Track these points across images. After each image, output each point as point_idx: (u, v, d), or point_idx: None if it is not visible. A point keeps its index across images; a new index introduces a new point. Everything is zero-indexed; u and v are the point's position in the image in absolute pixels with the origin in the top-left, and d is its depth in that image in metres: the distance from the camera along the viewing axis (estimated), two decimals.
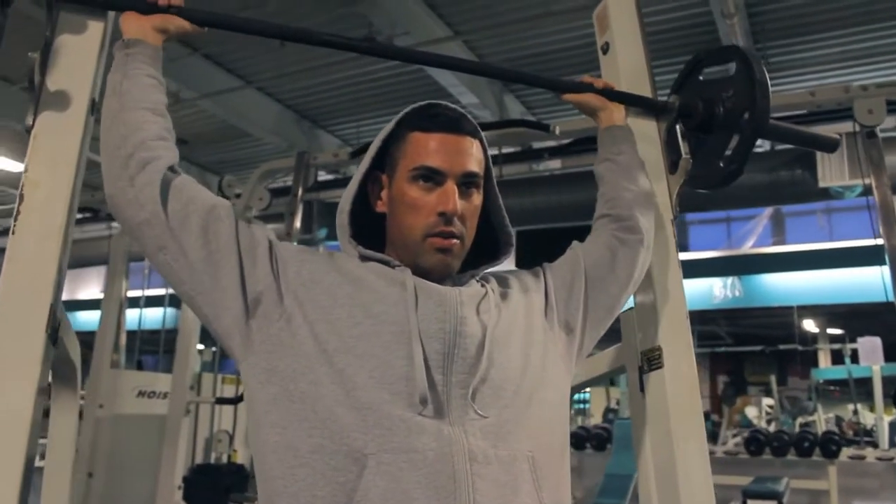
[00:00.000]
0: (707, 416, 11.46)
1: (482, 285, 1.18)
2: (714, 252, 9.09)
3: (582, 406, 13.46)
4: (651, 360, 1.41)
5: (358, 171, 1.20)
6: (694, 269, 8.46)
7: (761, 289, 8.51)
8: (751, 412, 11.21)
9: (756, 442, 7.27)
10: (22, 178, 1.13)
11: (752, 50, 1.47)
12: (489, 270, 1.25)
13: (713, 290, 8.53)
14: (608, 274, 1.29)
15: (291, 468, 1.01)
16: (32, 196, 1.13)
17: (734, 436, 9.30)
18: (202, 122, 8.25)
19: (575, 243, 1.34)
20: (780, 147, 5.98)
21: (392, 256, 1.16)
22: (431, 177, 1.13)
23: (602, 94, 1.50)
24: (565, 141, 5.97)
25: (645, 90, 1.60)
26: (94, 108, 1.23)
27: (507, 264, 1.28)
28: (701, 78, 1.57)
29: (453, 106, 1.19)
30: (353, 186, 1.19)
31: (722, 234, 10.10)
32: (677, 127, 1.58)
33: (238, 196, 4.21)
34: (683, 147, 1.56)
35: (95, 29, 1.24)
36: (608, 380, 10.59)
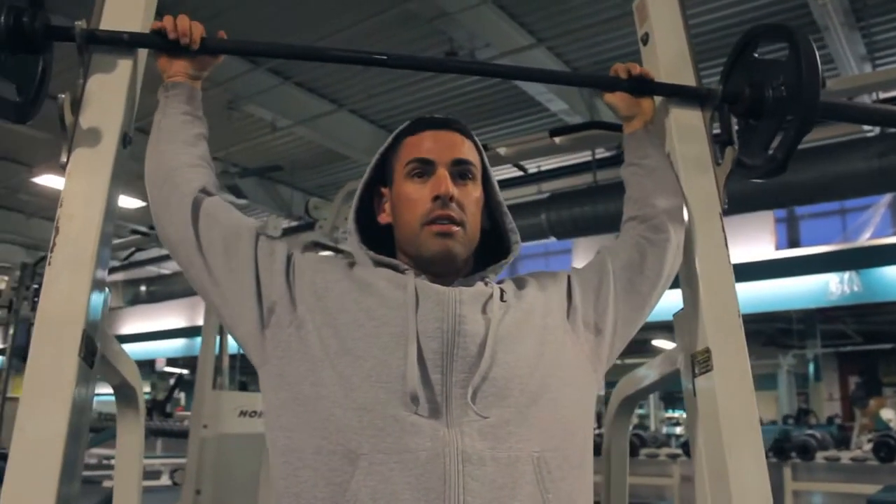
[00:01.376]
0: (830, 420, 10.76)
1: (490, 286, 1.16)
2: (828, 246, 8.56)
3: None
4: (700, 362, 1.33)
5: (360, 185, 1.24)
6: (807, 266, 8.01)
7: (882, 282, 7.91)
8: (886, 414, 10.42)
9: (886, 447, 6.74)
10: (58, 212, 1.19)
11: (801, 29, 1.36)
12: (509, 276, 1.25)
13: (829, 287, 8.00)
14: (637, 275, 1.26)
15: (295, 469, 1.03)
16: (67, 228, 1.19)
17: (869, 441, 8.67)
18: (299, 148, 8.54)
19: (602, 247, 1.32)
20: (890, 130, 5.59)
21: (402, 261, 1.18)
22: (423, 169, 1.17)
23: (638, 86, 1.44)
24: None
25: (688, 79, 1.52)
26: (127, 141, 1.29)
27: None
28: (756, 56, 1.47)
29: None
30: (355, 201, 1.23)
31: (836, 227, 9.50)
32: (723, 115, 1.50)
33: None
34: (732, 135, 1.48)
35: (124, 67, 1.30)
36: None
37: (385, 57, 1.39)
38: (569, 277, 1.24)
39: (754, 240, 8.75)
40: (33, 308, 6.32)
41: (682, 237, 1.35)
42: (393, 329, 1.06)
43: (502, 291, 1.15)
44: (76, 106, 1.24)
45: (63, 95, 1.20)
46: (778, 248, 8.93)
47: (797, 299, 8.51)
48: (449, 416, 1.01)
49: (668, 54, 1.55)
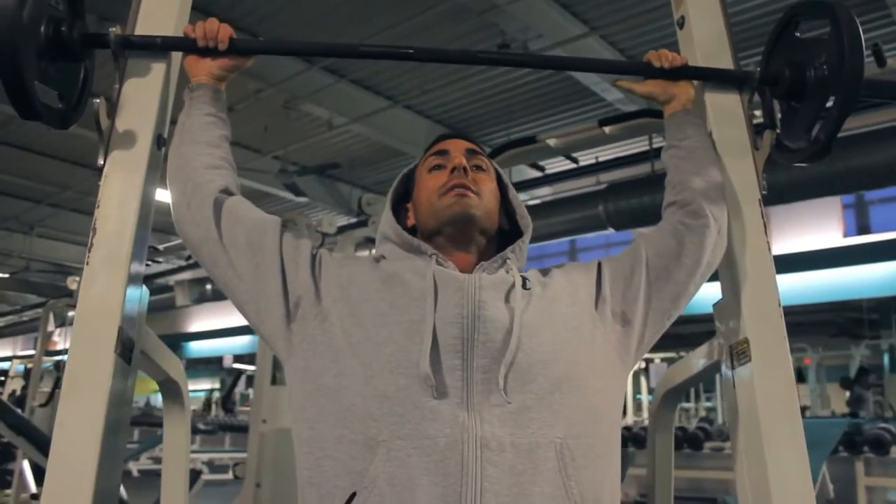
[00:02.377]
0: None
1: (511, 274, 1.16)
2: None
3: None
4: (738, 353, 1.28)
5: (389, 193, 1.31)
6: (879, 253, 7.67)
7: None
8: None
9: None
10: (95, 214, 1.23)
11: (843, 5, 1.30)
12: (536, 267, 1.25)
13: None
14: (673, 262, 1.22)
15: (318, 460, 1.05)
16: (104, 229, 1.23)
17: None
18: (356, 145, 8.61)
19: (637, 233, 1.29)
20: None
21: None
22: (441, 160, 1.24)
23: (672, 72, 1.40)
24: None
25: (725, 62, 1.47)
26: (161, 143, 1.32)
27: None
28: (798, 35, 1.42)
29: None
30: (387, 211, 1.28)
31: None
32: (765, 98, 1.45)
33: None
34: (774, 119, 1.42)
35: (158, 70, 1.33)
36: None
37: (412, 51, 1.40)
38: (599, 266, 1.24)
39: (820, 227, 8.43)
40: None
41: (724, 222, 1.30)
42: (413, 316, 1.07)
43: (525, 279, 1.15)
44: (112, 109, 1.28)
45: (98, 100, 1.23)
46: (846, 235, 8.58)
47: (869, 287, 8.18)
48: (469, 402, 1.01)
49: (705, 37, 1.50)
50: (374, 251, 1.30)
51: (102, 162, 1.26)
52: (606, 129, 4.89)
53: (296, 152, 8.70)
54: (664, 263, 1.22)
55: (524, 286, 1.13)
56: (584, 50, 5.90)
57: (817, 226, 8.43)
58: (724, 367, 1.36)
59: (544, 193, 9.38)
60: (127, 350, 1.21)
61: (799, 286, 7.60)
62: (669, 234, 1.26)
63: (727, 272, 1.35)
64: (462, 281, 1.11)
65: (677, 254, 1.23)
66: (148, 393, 16.48)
